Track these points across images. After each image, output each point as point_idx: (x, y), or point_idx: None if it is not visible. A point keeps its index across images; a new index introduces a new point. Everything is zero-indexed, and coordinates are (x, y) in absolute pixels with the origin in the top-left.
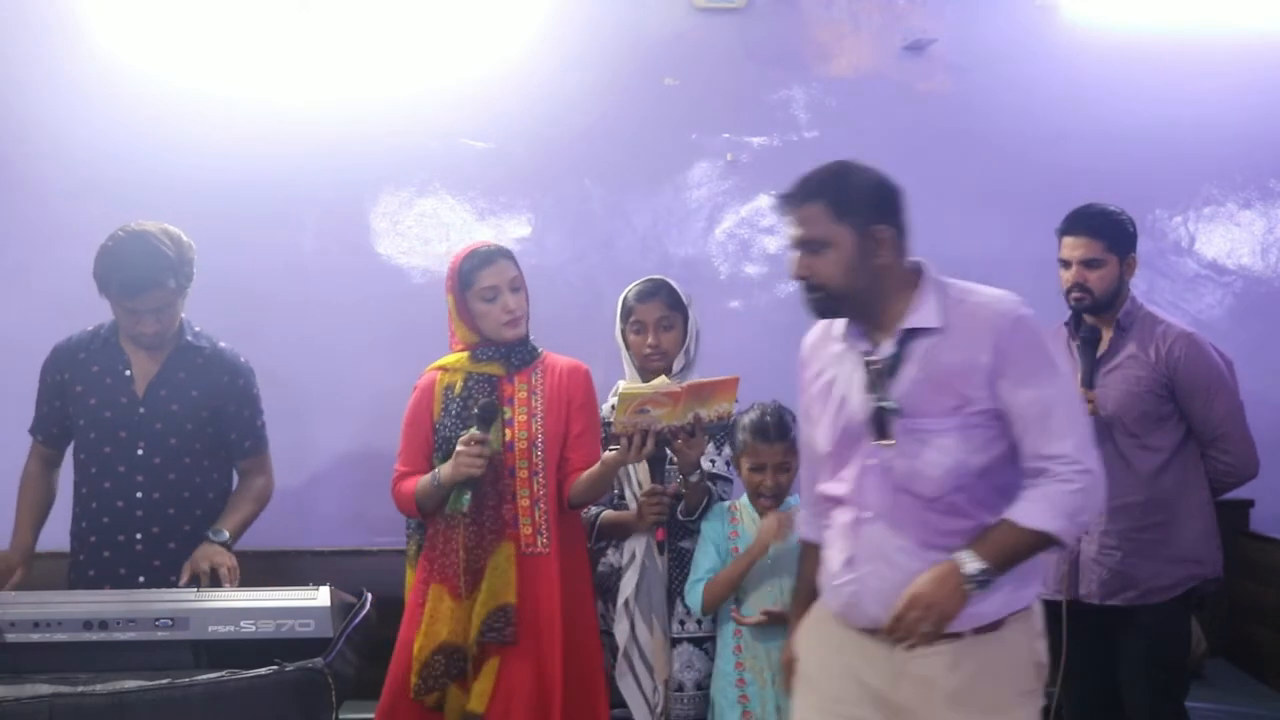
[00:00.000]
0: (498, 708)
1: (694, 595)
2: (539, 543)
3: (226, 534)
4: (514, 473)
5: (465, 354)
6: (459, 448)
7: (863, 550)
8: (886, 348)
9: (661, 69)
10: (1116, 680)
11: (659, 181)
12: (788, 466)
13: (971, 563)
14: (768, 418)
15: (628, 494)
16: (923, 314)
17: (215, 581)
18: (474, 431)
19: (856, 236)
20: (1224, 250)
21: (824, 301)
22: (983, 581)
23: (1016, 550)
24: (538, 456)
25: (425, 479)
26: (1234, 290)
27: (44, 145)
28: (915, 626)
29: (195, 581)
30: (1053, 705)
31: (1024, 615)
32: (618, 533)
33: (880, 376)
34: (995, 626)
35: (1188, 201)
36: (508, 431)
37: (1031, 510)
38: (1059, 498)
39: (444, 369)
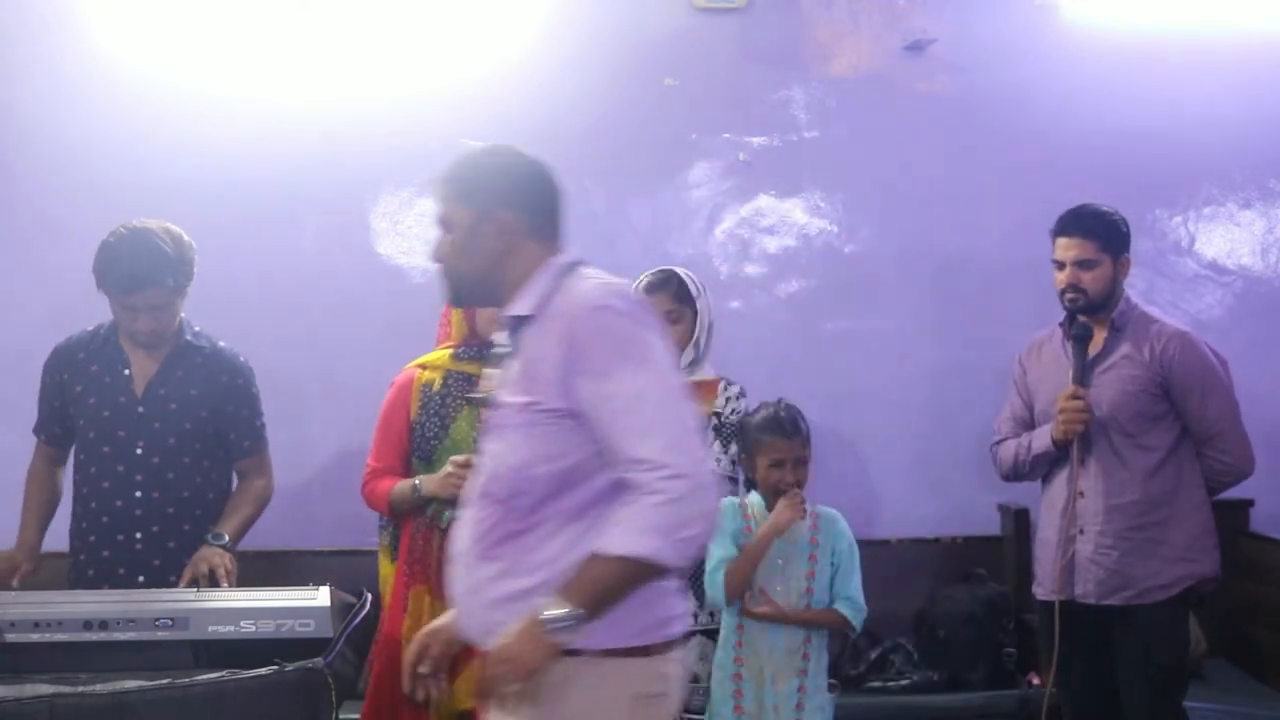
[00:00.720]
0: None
1: (714, 585)
2: None
3: (226, 537)
4: None
5: (447, 352)
6: (449, 469)
7: (451, 556)
8: (507, 338)
9: (661, 69)
10: (1115, 680)
11: (659, 181)
12: (804, 460)
13: (553, 608)
14: (782, 413)
15: None
16: (523, 301)
17: (213, 583)
18: (469, 455)
19: (473, 219)
20: (1224, 250)
21: (447, 288)
22: (567, 627)
23: (607, 585)
24: None
25: (405, 485)
26: (1234, 290)
27: (43, 146)
28: (499, 685)
29: (194, 584)
30: (1045, 705)
31: (590, 660)
32: None
33: (498, 367)
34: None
35: (1188, 201)
36: None
37: (615, 534)
38: (646, 513)
39: (424, 366)
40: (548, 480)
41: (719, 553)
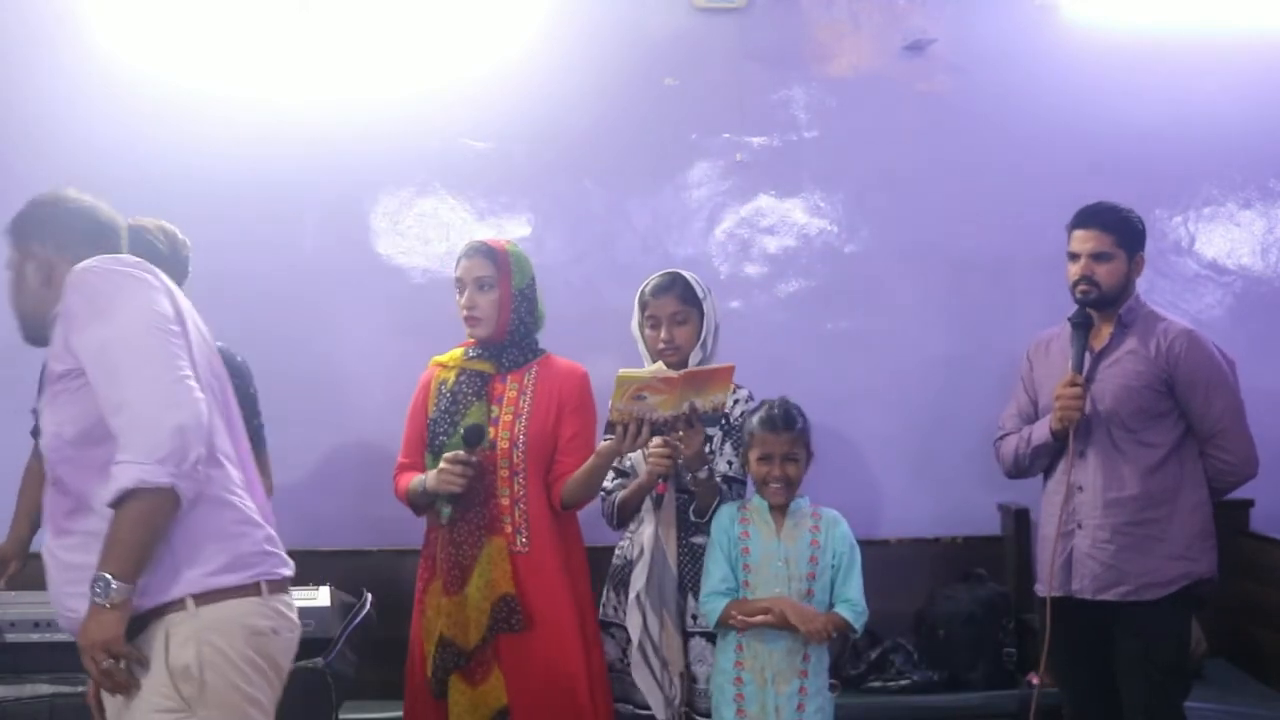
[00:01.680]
0: (521, 701)
1: (710, 610)
2: (518, 542)
3: None
4: (495, 471)
5: (461, 350)
6: (442, 464)
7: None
8: None
9: (661, 69)
10: (1115, 677)
11: (659, 181)
12: (795, 458)
13: (98, 578)
14: (775, 410)
15: (641, 470)
16: None
17: None
18: (459, 452)
19: (19, 258)
20: (1224, 250)
21: (18, 323)
22: (109, 591)
23: (124, 534)
24: (518, 457)
25: (415, 481)
26: (1234, 290)
27: (44, 145)
28: (95, 672)
29: None
30: (1034, 703)
31: (167, 612)
32: (635, 505)
33: None
34: (143, 627)
35: (1188, 201)
36: (492, 430)
37: (110, 484)
38: (124, 451)
39: (441, 365)
40: (75, 442)
41: (716, 573)
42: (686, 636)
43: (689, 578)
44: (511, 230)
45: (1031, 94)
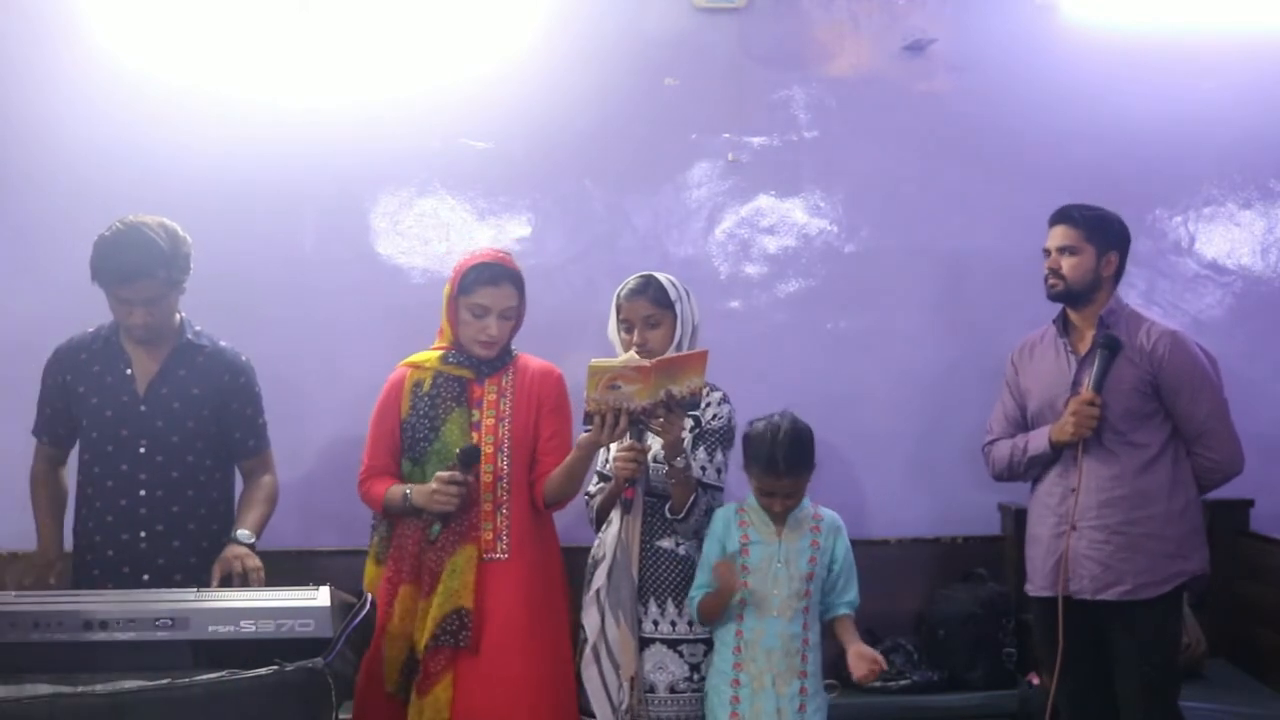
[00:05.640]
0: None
1: (691, 604)
2: (498, 548)
3: (253, 536)
4: (478, 477)
5: (437, 353)
6: (435, 484)
7: None
8: None
9: (661, 69)
10: (1110, 675)
11: (659, 181)
12: (795, 494)
13: None
14: (778, 450)
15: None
16: None
17: (244, 583)
18: (454, 473)
19: None
20: (1224, 250)
21: None
22: None
23: None
24: (503, 462)
25: (396, 492)
26: (1234, 290)
27: (44, 145)
28: None
29: (228, 582)
30: (1050, 701)
31: None
32: (609, 508)
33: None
34: None
35: (1188, 201)
36: (475, 435)
37: None
38: None
39: (415, 366)
40: None
41: (701, 576)
42: (644, 643)
43: (650, 583)
44: (511, 230)
45: (1031, 94)
